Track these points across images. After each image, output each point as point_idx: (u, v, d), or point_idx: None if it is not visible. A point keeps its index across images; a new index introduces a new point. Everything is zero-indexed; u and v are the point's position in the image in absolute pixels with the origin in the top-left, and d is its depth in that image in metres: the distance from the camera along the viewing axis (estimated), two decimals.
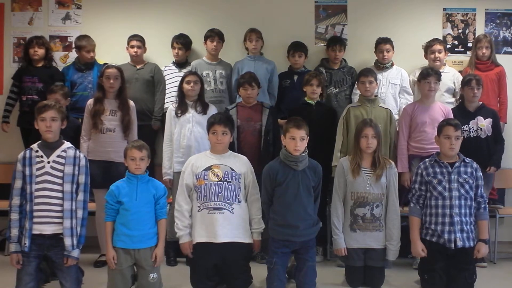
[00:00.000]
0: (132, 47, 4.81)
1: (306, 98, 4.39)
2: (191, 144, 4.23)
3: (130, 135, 4.19)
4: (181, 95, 4.34)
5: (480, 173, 3.65)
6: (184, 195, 3.63)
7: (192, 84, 4.28)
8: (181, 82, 4.34)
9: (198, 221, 3.56)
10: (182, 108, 4.30)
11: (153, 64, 4.90)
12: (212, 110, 4.34)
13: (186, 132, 4.26)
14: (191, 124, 4.26)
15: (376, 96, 4.41)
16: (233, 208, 3.55)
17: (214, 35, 4.76)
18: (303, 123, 3.55)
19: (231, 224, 3.53)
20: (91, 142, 4.19)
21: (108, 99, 4.20)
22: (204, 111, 4.29)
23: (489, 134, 4.36)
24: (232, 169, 3.62)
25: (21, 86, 4.75)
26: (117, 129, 4.17)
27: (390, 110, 4.37)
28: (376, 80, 4.36)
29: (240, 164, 3.69)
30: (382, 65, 4.73)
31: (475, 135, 4.34)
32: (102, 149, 4.15)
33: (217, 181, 3.57)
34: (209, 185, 3.56)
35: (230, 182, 3.58)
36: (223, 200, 3.54)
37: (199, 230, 3.54)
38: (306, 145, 3.57)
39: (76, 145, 3.46)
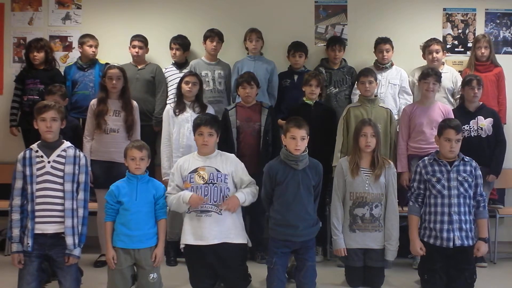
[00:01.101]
0: (134, 47, 4.81)
1: (304, 98, 4.39)
2: (191, 144, 4.21)
3: (133, 135, 4.20)
4: (179, 95, 4.34)
5: (479, 172, 3.65)
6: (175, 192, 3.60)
7: (190, 85, 4.28)
8: (180, 81, 4.34)
9: (187, 223, 3.55)
10: (180, 107, 4.30)
11: (155, 64, 4.89)
12: (210, 111, 4.34)
13: (185, 131, 4.26)
14: (190, 123, 4.25)
15: (376, 96, 4.41)
16: (221, 210, 3.52)
17: (214, 35, 4.76)
18: (304, 123, 3.55)
19: (219, 226, 3.50)
20: (94, 142, 4.20)
21: (111, 100, 4.21)
22: (202, 111, 4.29)
23: (489, 134, 4.36)
24: (218, 170, 3.57)
25: (23, 88, 4.77)
26: (120, 129, 4.18)
27: (390, 110, 4.37)
28: (376, 80, 4.36)
29: (227, 163, 3.63)
30: (381, 65, 4.73)
31: (475, 134, 4.35)
32: (105, 149, 4.16)
33: (203, 184, 3.53)
34: (195, 188, 3.52)
35: (216, 184, 3.54)
36: (209, 202, 3.50)
37: (188, 233, 3.52)
38: (306, 145, 3.57)
39: (75, 144, 3.46)
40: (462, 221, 3.53)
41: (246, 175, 3.66)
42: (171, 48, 4.87)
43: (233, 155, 3.75)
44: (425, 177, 3.64)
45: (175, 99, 4.41)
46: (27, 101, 4.70)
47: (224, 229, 3.51)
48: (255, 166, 3.80)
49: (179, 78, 4.54)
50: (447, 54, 4.89)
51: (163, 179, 4.22)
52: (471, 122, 4.35)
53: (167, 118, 4.35)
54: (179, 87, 4.35)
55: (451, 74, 4.74)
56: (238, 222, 3.60)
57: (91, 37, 4.85)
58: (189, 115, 4.29)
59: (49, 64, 4.80)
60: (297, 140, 3.49)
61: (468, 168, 3.61)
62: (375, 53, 4.78)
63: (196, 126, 3.65)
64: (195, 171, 3.57)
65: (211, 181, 3.53)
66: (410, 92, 4.75)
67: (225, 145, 4.07)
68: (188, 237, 3.52)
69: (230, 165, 3.63)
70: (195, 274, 3.59)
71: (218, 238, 3.49)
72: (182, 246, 3.58)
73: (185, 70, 4.70)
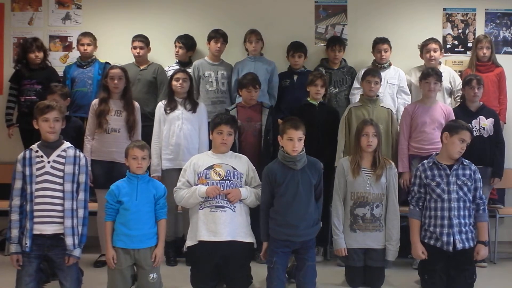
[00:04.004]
0: (135, 47, 4.80)
1: (309, 99, 4.39)
2: (180, 142, 4.21)
3: (134, 135, 4.20)
4: (170, 92, 4.32)
5: (478, 175, 3.62)
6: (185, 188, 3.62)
7: (181, 81, 4.26)
8: (170, 79, 4.33)
9: (200, 219, 3.54)
10: (171, 105, 4.29)
11: (157, 65, 4.87)
12: (202, 108, 4.34)
13: (175, 129, 4.24)
14: (181, 121, 4.24)
15: (377, 96, 4.40)
16: (235, 207, 3.56)
17: (219, 36, 4.75)
18: (300, 123, 3.54)
19: (233, 223, 3.53)
20: (95, 142, 4.19)
21: (113, 100, 4.21)
22: (193, 109, 4.29)
23: (491, 134, 4.37)
24: (234, 168, 3.64)
25: (20, 88, 4.76)
26: (122, 129, 4.17)
27: (391, 110, 4.38)
28: (381, 81, 4.35)
29: (241, 163, 3.71)
30: (379, 65, 4.73)
31: (477, 134, 4.34)
32: (106, 149, 4.15)
33: (219, 180, 3.58)
34: (211, 184, 3.56)
35: (232, 180, 3.60)
36: (226, 198, 3.54)
37: (202, 229, 3.52)
38: (303, 145, 3.55)
39: (78, 145, 3.45)
40: (462, 224, 3.52)
41: (255, 177, 3.73)
42: (175, 46, 4.86)
43: (245, 156, 3.81)
44: (424, 181, 3.62)
45: (166, 96, 4.37)
46: (25, 101, 4.70)
47: (236, 227, 3.53)
48: (256, 166, 3.81)
49: None
50: (445, 54, 4.89)
51: (152, 175, 4.11)
52: (473, 122, 4.35)
53: (158, 115, 4.32)
54: (169, 85, 4.33)
55: (448, 73, 4.74)
56: (247, 222, 3.63)
57: (85, 34, 4.83)
58: (180, 113, 4.27)
59: (44, 63, 4.79)
60: (294, 142, 3.49)
61: (468, 171, 3.59)
62: (373, 53, 4.79)
63: (216, 124, 3.69)
64: (211, 167, 3.62)
65: (228, 178, 3.59)
66: (408, 92, 4.76)
67: None
68: (202, 233, 3.50)
69: (243, 165, 3.70)
70: (198, 274, 3.58)
71: (230, 235, 3.50)
72: (191, 244, 3.55)
73: (189, 70, 4.68)
